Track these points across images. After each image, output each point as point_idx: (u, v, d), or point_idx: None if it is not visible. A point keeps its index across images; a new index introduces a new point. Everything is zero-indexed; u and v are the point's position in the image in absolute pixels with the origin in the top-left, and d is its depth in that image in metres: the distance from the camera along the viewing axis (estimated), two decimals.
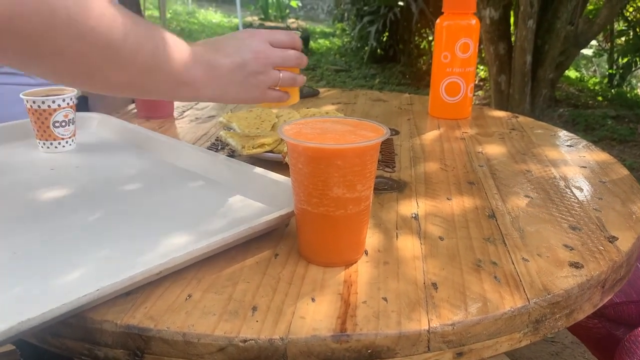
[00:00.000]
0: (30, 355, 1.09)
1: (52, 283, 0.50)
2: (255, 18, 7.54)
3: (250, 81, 0.66)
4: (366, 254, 0.57)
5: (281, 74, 0.69)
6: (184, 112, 1.12)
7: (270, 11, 7.63)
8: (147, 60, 0.57)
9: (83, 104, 1.36)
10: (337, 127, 0.55)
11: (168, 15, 7.30)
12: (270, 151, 0.80)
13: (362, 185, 0.51)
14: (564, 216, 0.66)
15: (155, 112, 1.06)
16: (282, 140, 0.81)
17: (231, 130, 0.89)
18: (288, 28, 6.69)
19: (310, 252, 0.55)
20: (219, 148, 0.89)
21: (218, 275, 0.52)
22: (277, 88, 0.71)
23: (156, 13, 7.20)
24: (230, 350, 0.44)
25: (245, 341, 0.44)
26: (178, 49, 0.60)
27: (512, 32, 3.39)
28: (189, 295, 0.49)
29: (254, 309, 0.47)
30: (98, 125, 0.96)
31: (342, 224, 0.52)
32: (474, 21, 1.02)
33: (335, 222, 0.52)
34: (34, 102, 0.82)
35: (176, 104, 1.16)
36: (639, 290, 0.58)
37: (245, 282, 0.51)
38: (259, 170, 0.69)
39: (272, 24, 6.95)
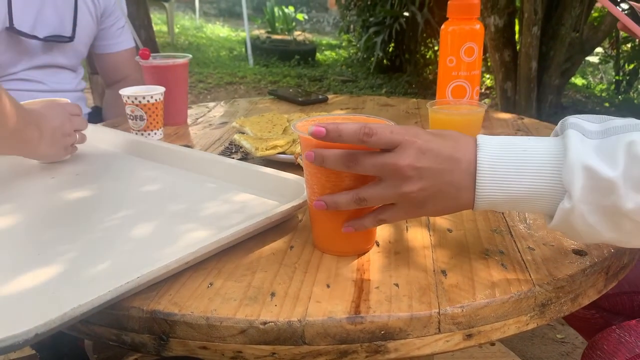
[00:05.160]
0: (49, 358, 1.12)
1: (86, 275, 0.53)
2: (262, 31, 7.62)
3: (61, 141, 0.82)
4: (377, 245, 0.59)
5: (77, 135, 0.87)
6: (197, 119, 1.15)
7: (277, 24, 7.71)
8: None
9: (97, 114, 1.40)
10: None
11: (176, 30, 7.40)
12: (283, 152, 0.83)
13: (372, 177, 0.54)
14: None
15: (170, 119, 1.09)
16: (294, 141, 0.84)
17: (244, 134, 0.92)
18: (295, 40, 6.75)
19: (324, 243, 0.57)
20: (233, 151, 0.91)
21: (237, 265, 0.55)
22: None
23: (164, 28, 7.30)
24: (251, 332, 0.46)
25: (265, 323, 0.46)
26: (16, 111, 0.72)
27: (517, 39, 3.41)
28: (211, 284, 0.52)
29: (272, 294, 0.50)
30: (114, 138, 0.99)
31: (354, 214, 0.55)
32: (478, 26, 1.04)
33: (347, 212, 0.54)
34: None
35: (190, 111, 1.20)
36: (630, 281, 0.60)
37: (263, 271, 0.54)
38: (270, 170, 0.73)
39: (279, 37, 7.02)
